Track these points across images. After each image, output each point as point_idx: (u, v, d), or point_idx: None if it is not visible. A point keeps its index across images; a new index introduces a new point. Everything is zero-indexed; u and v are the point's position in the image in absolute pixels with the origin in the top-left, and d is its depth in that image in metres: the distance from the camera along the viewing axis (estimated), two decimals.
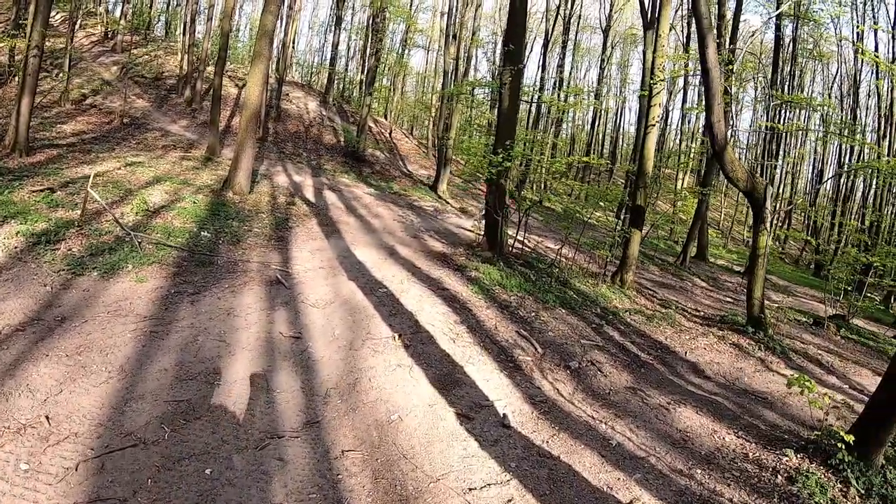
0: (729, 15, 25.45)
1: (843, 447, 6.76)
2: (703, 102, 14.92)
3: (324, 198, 19.14)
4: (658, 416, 7.98)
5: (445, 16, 36.50)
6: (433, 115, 40.59)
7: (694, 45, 29.27)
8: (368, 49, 35.20)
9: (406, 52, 50.01)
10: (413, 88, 61.33)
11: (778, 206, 33.44)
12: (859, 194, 41.42)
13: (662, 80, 16.84)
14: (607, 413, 7.83)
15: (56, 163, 16.08)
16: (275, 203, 16.66)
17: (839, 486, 6.48)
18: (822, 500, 6.18)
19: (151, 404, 6.37)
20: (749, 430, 7.96)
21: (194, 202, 14.73)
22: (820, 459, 6.96)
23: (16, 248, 10.13)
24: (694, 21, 14.50)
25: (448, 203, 25.78)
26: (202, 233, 12.80)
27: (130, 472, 5.27)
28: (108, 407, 6.25)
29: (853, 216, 36.83)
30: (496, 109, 18.13)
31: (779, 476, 6.62)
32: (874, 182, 35.59)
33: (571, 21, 45.28)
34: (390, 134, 39.62)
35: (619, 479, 6.21)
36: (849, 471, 6.63)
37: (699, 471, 6.58)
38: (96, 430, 5.84)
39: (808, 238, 26.89)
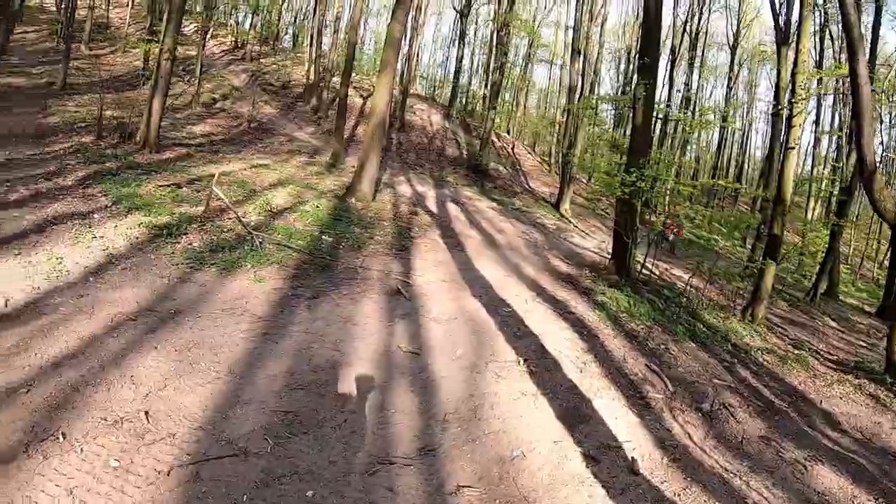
0: (863, 30, 23.67)
1: None
2: (847, 120, 13.96)
3: (446, 210, 18.99)
4: (795, 474, 7.29)
5: (570, 30, 36.10)
6: (557, 131, 40.17)
7: (827, 62, 27.60)
8: (492, 63, 35.17)
9: (529, 66, 49.87)
10: (536, 104, 61.05)
11: None
12: None
13: (805, 99, 15.82)
14: (741, 466, 7.16)
15: (184, 161, 16.64)
16: (397, 212, 16.60)
17: None
18: None
19: (257, 412, 6.12)
20: (890, 496, 7.27)
21: (317, 206, 14.82)
22: None
23: (137, 238, 10.37)
24: (843, 30, 13.90)
25: (571, 222, 25.30)
26: (323, 237, 12.79)
27: (227, 485, 4.97)
28: (210, 409, 6.03)
29: None
30: (622, 127, 17.55)
31: None
32: None
33: (698, 37, 44.01)
34: (513, 149, 39.45)
35: None
36: None
37: None
38: (195, 433, 5.60)
39: None
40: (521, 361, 8.36)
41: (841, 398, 10.92)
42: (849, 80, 12.39)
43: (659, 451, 7.01)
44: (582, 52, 29.97)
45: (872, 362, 13.54)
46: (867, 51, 20.45)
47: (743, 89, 58.66)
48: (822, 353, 14.23)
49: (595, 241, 20.58)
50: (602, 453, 6.59)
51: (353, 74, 32.62)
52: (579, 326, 10.31)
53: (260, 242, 11.28)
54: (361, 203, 16.28)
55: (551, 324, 10.11)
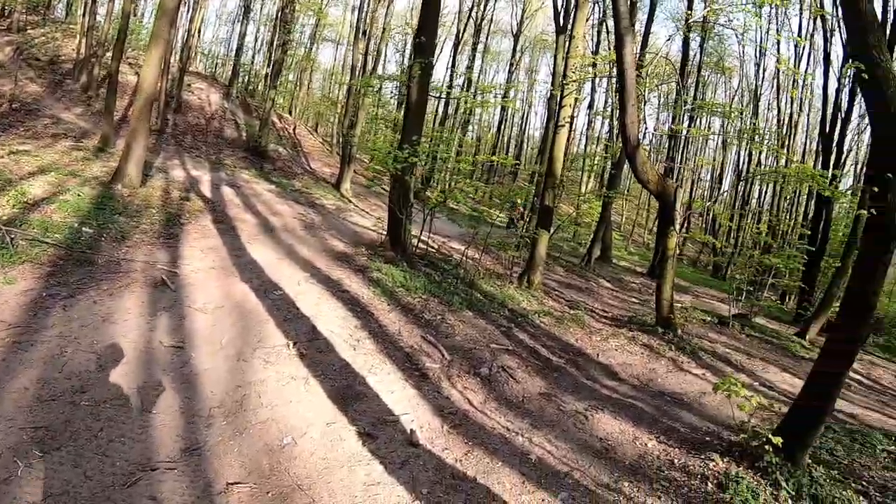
0: (638, 26, 25.90)
1: (771, 449, 6.73)
2: (617, 104, 15.04)
3: (221, 194, 18.12)
4: (576, 425, 7.68)
5: (356, 10, 35.88)
6: (339, 111, 39.82)
7: (602, 51, 30.13)
8: (276, 41, 34.01)
9: (315, 46, 48.96)
10: (320, 85, 60.16)
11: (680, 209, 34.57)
12: (754, 201, 43.81)
13: (575, 81, 16.86)
14: (523, 423, 7.43)
15: None
16: (168, 198, 15.55)
17: (770, 489, 6.43)
18: None
19: (4, 432, 5.35)
20: (669, 433, 7.82)
21: (79, 195, 13.55)
22: (748, 462, 6.92)
23: None
24: (612, 20, 14.92)
25: (351, 202, 25.13)
26: (84, 229, 11.71)
27: None
28: None
29: (751, 219, 38.64)
30: (403, 107, 17.62)
31: (709, 483, 6.44)
32: (771, 188, 38.29)
33: (483, 24, 45.69)
34: (294, 130, 38.55)
35: (543, 500, 5.76)
36: (778, 473, 6.64)
37: (626, 483, 6.29)
38: None
39: (710, 239, 27.72)
40: (291, 345, 8.08)
41: (617, 350, 11.77)
42: (617, 66, 13.29)
43: (438, 419, 7.08)
44: (367, 32, 29.85)
45: (644, 316, 14.79)
46: (638, 42, 22.33)
47: (524, 75, 61.62)
48: (597, 311, 15.20)
49: (373, 220, 20.55)
50: (378, 429, 6.53)
51: (130, 49, 30.33)
52: (353, 304, 10.17)
53: (11, 239, 10.13)
54: (128, 189, 15.10)
55: (324, 304, 9.90)
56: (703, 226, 47.01)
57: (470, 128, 53.18)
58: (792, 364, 14.01)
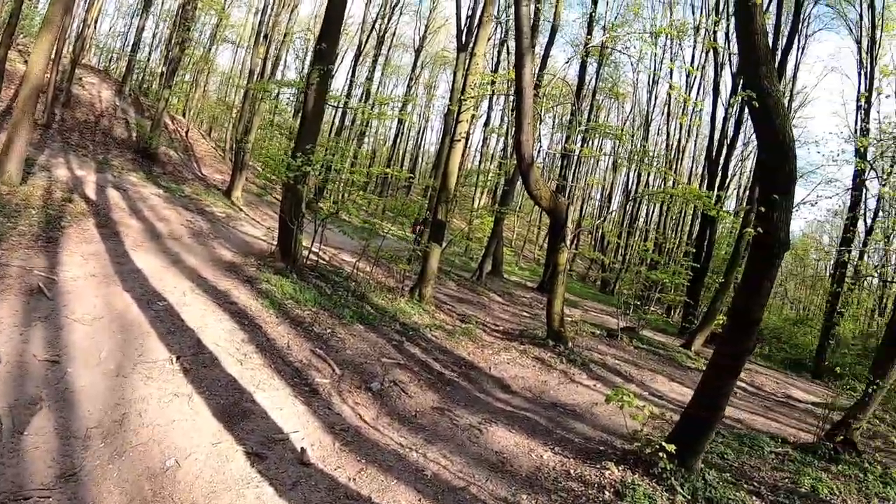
0: (538, 49, 26.58)
1: (665, 456, 7.00)
2: (513, 122, 15.39)
3: (107, 196, 17.30)
4: (471, 439, 7.76)
5: (259, 13, 35.23)
6: (234, 116, 38.88)
7: (502, 70, 30.90)
8: (174, 38, 32.86)
9: (214, 48, 47.63)
10: (216, 88, 58.51)
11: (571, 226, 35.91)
12: (642, 220, 46.09)
13: (474, 97, 17.11)
14: (417, 439, 7.44)
15: None
16: (49, 198, 14.69)
17: (666, 494, 6.72)
18: None
19: None
20: (564, 444, 8.04)
21: None
22: (643, 470, 7.22)
23: None
24: (514, 40, 15.24)
25: (242, 210, 24.53)
26: None
27: None
28: None
29: (639, 237, 40.58)
30: (300, 115, 17.35)
31: (606, 492, 6.63)
32: (658, 208, 40.88)
33: (385, 37, 45.98)
34: (187, 134, 37.29)
35: None
36: (672, 479, 6.96)
37: (524, 496, 6.38)
38: None
39: (599, 256, 28.78)
40: (175, 359, 7.73)
41: (509, 363, 11.99)
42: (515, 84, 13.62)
43: (330, 436, 6.98)
44: (269, 36, 29.31)
45: (535, 329, 15.17)
46: (537, 64, 22.96)
47: (423, 90, 62.03)
48: (488, 325, 15.42)
49: (264, 230, 20.12)
50: (268, 448, 6.34)
51: (21, 35, 28.61)
52: (241, 317, 9.88)
53: None
54: (7, 187, 14.18)
55: (210, 315, 9.54)
56: (593, 243, 48.84)
57: (366, 140, 53.13)
58: (679, 374, 14.79)
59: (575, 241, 46.95)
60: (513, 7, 16.30)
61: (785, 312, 44.46)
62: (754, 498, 7.16)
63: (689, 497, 6.74)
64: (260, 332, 9.48)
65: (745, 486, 7.50)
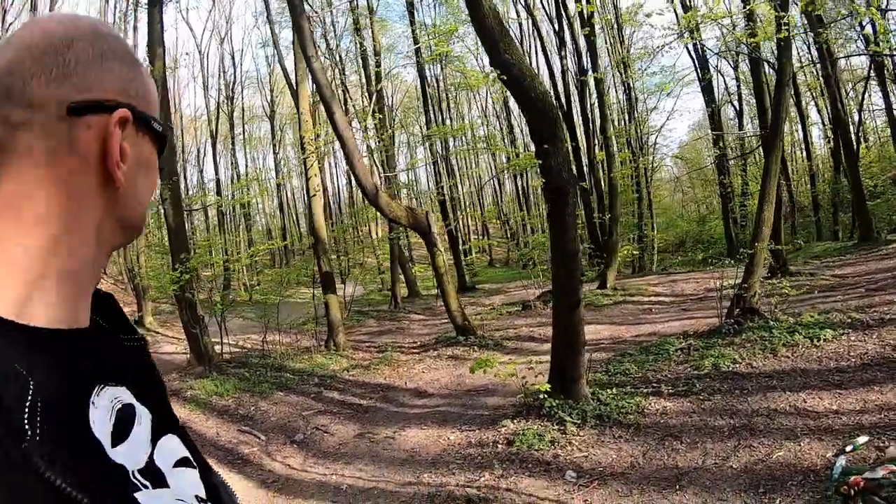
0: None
1: (544, 394, 7.78)
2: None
3: None
4: (385, 448, 8.57)
5: None
6: (117, 253, 38.64)
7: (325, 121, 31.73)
8: None
9: None
10: None
11: (464, 222, 36.90)
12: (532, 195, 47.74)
13: (312, 154, 17.89)
14: (338, 465, 8.25)
15: None
16: None
17: (556, 427, 7.48)
18: (542, 446, 7.13)
19: None
20: (473, 421, 8.85)
21: None
22: (534, 415, 7.97)
23: None
24: (318, 93, 15.79)
25: (158, 332, 24.65)
26: None
27: None
28: None
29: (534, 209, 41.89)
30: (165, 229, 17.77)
31: (499, 445, 7.48)
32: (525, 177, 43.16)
33: (235, 116, 46.15)
34: None
35: None
36: (559, 411, 7.66)
37: (427, 474, 7.19)
38: None
39: (504, 241, 29.73)
40: None
41: (424, 372, 12.84)
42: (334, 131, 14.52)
43: (263, 490, 7.79)
44: None
45: (449, 332, 15.88)
46: (343, 108, 23.96)
47: (292, 150, 61.81)
48: (405, 346, 16.18)
49: (182, 344, 20.47)
50: None
51: None
52: None
53: None
54: None
55: None
56: (503, 228, 50.00)
57: (258, 217, 53.15)
58: (595, 316, 15.66)
59: (485, 234, 48.53)
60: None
61: (694, 216, 46.80)
62: (652, 398, 7.97)
63: (579, 421, 7.51)
64: (192, 433, 10.12)
65: (644, 390, 8.35)
